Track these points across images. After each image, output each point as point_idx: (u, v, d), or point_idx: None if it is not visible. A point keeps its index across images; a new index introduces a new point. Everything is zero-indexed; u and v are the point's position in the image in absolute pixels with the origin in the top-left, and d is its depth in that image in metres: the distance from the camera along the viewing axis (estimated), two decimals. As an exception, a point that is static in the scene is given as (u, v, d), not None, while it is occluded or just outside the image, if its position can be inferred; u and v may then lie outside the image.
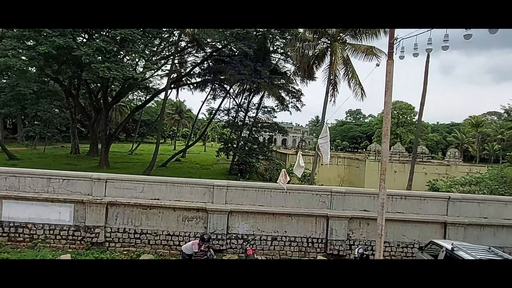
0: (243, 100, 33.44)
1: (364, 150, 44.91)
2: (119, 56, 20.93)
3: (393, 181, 27.19)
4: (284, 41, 25.72)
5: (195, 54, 36.28)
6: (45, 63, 18.53)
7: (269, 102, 40.76)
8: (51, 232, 12.46)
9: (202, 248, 10.49)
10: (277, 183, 11.17)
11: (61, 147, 54.42)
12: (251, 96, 30.74)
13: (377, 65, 7.95)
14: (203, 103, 39.43)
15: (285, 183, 9.59)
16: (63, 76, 29.60)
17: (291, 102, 29.60)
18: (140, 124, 64.94)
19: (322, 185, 25.12)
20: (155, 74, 37.59)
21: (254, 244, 12.37)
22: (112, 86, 35.28)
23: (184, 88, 41.03)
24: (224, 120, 34.70)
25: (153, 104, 67.53)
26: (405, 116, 61.96)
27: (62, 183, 12.50)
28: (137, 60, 26.43)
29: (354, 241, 12.65)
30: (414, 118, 64.48)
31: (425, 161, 30.50)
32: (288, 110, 30.19)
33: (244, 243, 11.72)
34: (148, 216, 12.40)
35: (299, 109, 29.76)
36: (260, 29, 23.42)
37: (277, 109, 30.83)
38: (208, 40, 27.93)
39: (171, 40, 26.60)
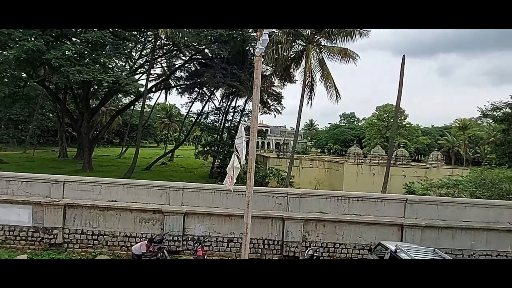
0: (227, 103, 33.64)
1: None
2: (100, 60, 21.14)
3: (371, 183, 27.35)
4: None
5: (182, 58, 36.59)
6: (17, 66, 18.66)
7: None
8: (10, 233, 12.60)
9: (151, 249, 10.61)
10: (223, 184, 11.28)
11: (51, 151, 54.77)
12: (231, 99, 30.91)
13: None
14: (190, 107, 39.58)
15: (231, 185, 9.71)
16: (48, 80, 29.79)
17: (272, 105, 29.79)
18: (134, 128, 65.18)
19: (299, 187, 25.23)
20: (141, 78, 37.68)
21: (210, 245, 12.48)
22: (100, 90, 35.55)
23: (170, 92, 41.21)
24: (202, 124, 34.79)
25: (145, 108, 67.67)
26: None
27: (21, 185, 12.64)
28: (113, 63, 26.55)
29: (310, 243, 12.72)
30: (404, 121, 64.71)
31: (404, 164, 30.63)
32: (269, 113, 30.40)
33: (195, 244, 11.80)
34: (106, 217, 12.52)
35: (280, 112, 30.00)
36: (240, 31, 23.51)
37: (259, 112, 30.94)
38: (192, 43, 28.06)
39: (148, 43, 26.73)
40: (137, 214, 12.52)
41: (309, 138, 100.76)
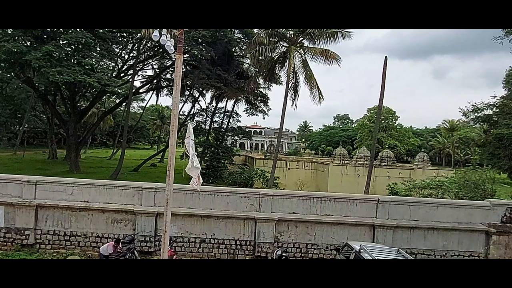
0: (216, 105, 33.68)
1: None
2: (83, 61, 21.02)
3: (356, 184, 27.49)
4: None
5: (173, 59, 36.63)
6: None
7: (242, 106, 41.15)
8: (-18, 234, 12.57)
9: (118, 250, 10.63)
10: (190, 185, 11.32)
11: (42, 152, 54.65)
12: (220, 101, 30.93)
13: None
14: (181, 109, 39.56)
15: (198, 185, 9.77)
16: (37, 81, 29.70)
17: (259, 106, 29.87)
18: (127, 130, 65.01)
19: (284, 188, 25.32)
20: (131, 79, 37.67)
21: (182, 246, 12.53)
22: (88, 92, 35.53)
23: (161, 94, 41.22)
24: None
25: (138, 109, 67.83)
26: (386, 121, 62.52)
27: (-7, 185, 12.62)
28: (100, 65, 26.54)
29: (282, 243, 12.79)
30: (395, 123, 65.09)
31: (390, 165, 30.83)
32: (256, 114, 30.49)
33: (165, 245, 11.81)
34: (78, 218, 12.54)
35: (266, 113, 30.10)
36: (221, 32, 23.53)
37: (246, 113, 31.13)
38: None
39: (136, 44, 26.74)
40: (109, 214, 12.54)
41: (303, 140, 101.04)
